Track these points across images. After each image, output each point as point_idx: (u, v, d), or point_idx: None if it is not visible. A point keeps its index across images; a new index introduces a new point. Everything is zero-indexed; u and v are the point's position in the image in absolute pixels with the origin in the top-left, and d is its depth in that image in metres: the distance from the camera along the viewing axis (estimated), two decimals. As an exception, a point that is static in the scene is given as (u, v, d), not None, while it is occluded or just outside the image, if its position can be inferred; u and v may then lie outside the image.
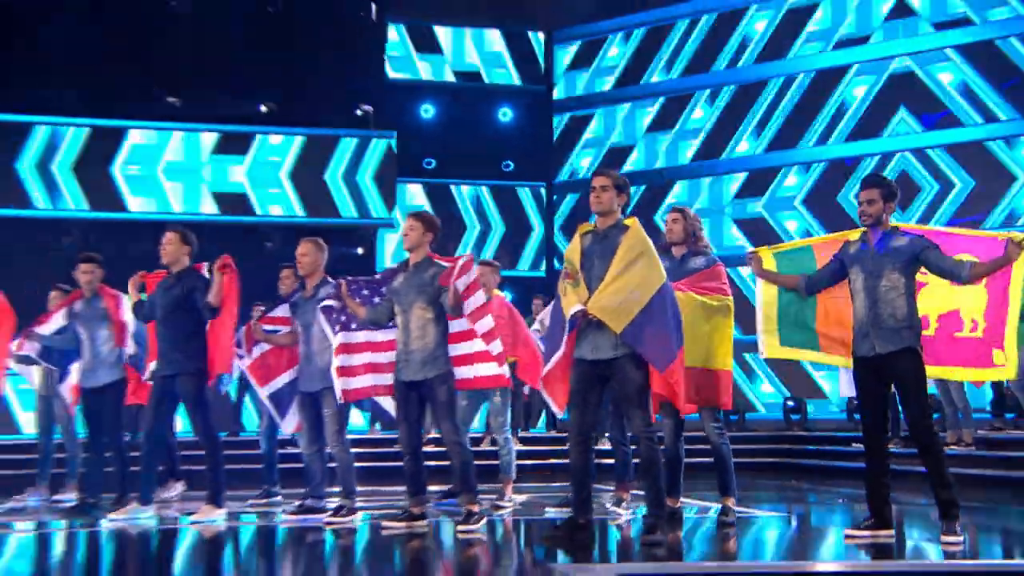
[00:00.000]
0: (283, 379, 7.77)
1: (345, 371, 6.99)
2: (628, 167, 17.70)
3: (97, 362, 8.24)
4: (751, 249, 6.69)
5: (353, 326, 7.04)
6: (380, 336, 7.06)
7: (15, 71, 15.56)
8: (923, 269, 6.05)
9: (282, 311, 7.65)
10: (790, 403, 14.23)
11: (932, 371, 6.25)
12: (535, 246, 18.52)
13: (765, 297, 6.62)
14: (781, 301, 6.54)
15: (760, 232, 16.24)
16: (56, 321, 8.49)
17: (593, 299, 5.74)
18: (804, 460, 12.36)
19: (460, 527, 6.61)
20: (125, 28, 16.05)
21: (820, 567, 5.70)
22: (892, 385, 6.05)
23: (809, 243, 6.73)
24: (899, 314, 5.86)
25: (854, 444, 11.54)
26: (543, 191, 18.64)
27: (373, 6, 17.24)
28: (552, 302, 6.74)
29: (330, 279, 7.42)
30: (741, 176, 17.14)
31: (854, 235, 6.23)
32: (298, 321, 7.44)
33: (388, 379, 6.92)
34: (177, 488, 8.99)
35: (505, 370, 7.17)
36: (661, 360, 5.70)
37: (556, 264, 18.06)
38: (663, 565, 5.48)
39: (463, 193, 18.40)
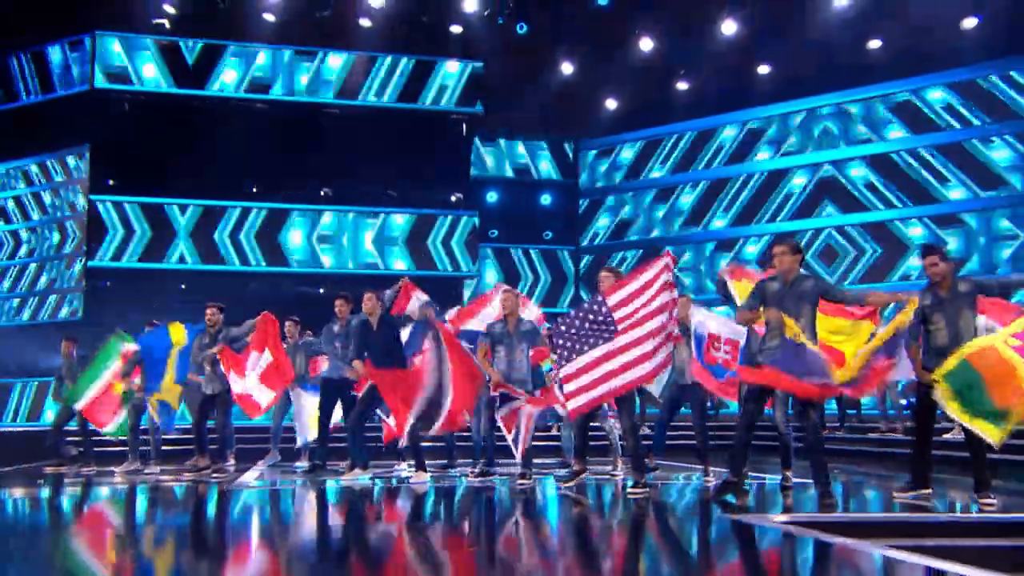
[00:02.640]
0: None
1: (572, 394, 6.02)
2: (633, 236, 17.85)
3: (334, 362, 8.27)
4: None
5: (574, 356, 5.99)
6: (599, 351, 5.96)
7: (216, 170, 15.84)
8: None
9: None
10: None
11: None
12: (568, 290, 18.40)
13: (948, 405, 5.59)
14: (960, 400, 5.50)
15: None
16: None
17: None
18: (772, 443, 11.80)
19: (630, 490, 6.17)
20: (290, 137, 16.24)
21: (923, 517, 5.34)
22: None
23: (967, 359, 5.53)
24: (968, 339, 5.63)
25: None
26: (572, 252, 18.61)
27: (464, 126, 17.41)
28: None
29: (524, 318, 7.22)
30: (713, 243, 17.32)
31: (924, 294, 5.72)
32: (502, 345, 7.07)
33: (618, 383, 6.01)
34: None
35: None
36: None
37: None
38: (830, 516, 5.14)
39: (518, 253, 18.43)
